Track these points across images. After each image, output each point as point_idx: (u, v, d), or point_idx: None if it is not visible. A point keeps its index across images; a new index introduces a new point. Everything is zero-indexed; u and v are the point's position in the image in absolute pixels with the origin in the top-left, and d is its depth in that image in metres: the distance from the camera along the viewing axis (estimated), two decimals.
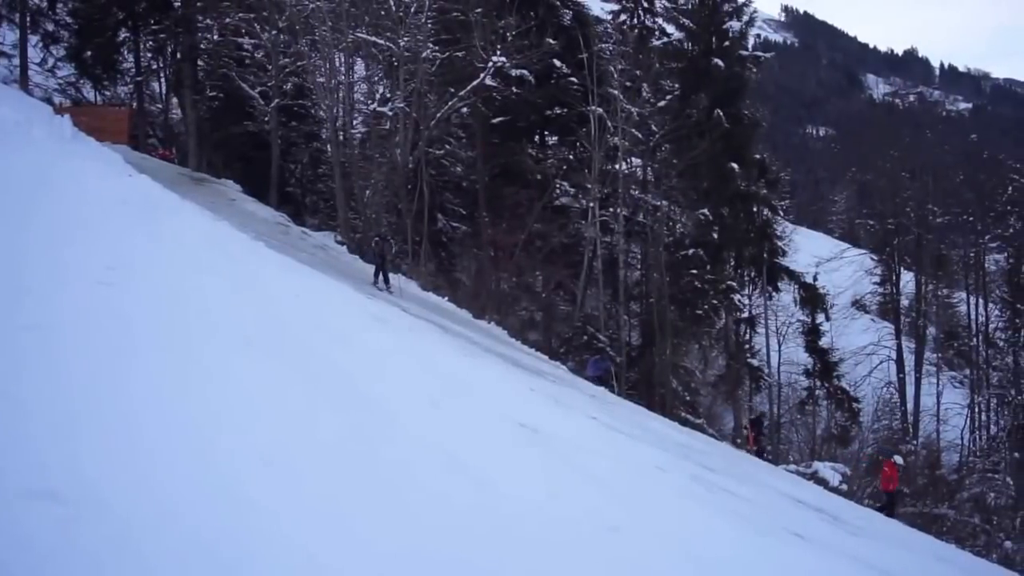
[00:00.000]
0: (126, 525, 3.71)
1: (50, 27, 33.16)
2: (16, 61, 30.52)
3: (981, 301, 44.99)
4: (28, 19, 31.26)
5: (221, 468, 4.61)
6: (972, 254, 45.91)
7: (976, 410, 41.61)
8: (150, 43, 35.02)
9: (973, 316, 45.43)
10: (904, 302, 43.82)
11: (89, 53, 32.86)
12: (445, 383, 9.53)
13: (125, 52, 34.68)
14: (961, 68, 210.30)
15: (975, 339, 44.50)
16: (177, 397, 5.33)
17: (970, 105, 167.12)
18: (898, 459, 22.48)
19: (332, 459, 5.41)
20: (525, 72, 30.74)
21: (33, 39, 32.08)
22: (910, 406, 39.83)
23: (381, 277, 21.43)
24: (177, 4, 33.30)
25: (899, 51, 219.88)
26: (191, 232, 10.77)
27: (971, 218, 45.69)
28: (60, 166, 11.25)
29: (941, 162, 47.65)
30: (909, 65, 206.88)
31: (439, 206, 32.99)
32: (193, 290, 8.00)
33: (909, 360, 41.05)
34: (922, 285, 42.99)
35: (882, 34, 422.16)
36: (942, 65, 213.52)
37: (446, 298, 24.78)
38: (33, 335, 5.46)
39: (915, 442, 35.17)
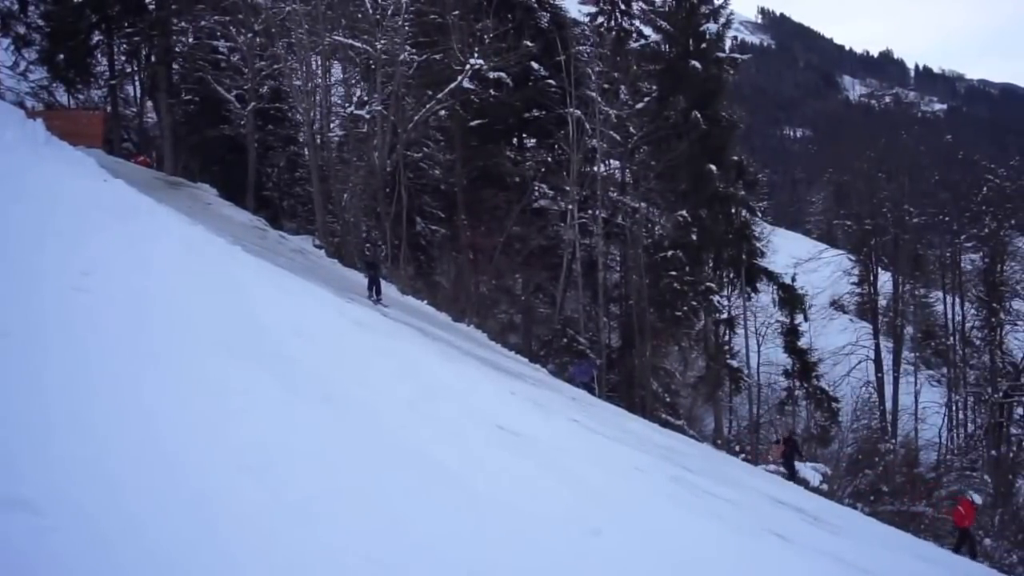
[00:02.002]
0: (103, 534, 3.65)
1: (21, 30, 32.73)
2: None
3: (958, 300, 45.33)
4: None
5: (200, 475, 4.56)
6: (948, 254, 46.21)
7: (954, 408, 41.91)
8: (124, 46, 34.63)
9: (950, 315, 45.77)
10: (882, 302, 44.12)
11: (62, 56, 32.47)
12: (425, 387, 9.49)
13: (99, 55, 34.31)
14: (936, 70, 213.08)
15: (952, 338, 44.81)
16: (154, 404, 5.27)
17: (945, 106, 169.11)
18: (976, 497, 22.02)
19: (311, 464, 5.36)
20: (503, 75, 30.73)
21: (4, 42, 31.74)
22: (888, 405, 40.12)
23: (374, 289, 20.11)
24: (151, 7, 33.03)
25: (875, 53, 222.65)
26: (167, 237, 10.66)
27: (947, 218, 46.03)
28: (33, 170, 11.10)
29: (917, 163, 47.98)
30: (884, 66, 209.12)
31: (417, 209, 32.91)
32: (170, 296, 7.92)
33: (887, 359, 41.33)
34: (899, 285, 43.32)
35: (858, 36, 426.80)
36: (917, 67, 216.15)
37: (425, 302, 24.69)
38: (4, 343, 5.37)
39: (893, 441, 35.37)
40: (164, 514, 3.98)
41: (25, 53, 32.87)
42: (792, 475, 22.76)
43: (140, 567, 3.57)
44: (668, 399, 32.49)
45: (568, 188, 31.30)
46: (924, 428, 39.96)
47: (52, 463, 4.09)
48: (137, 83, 37.40)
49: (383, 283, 21.77)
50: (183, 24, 32.85)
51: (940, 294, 47.19)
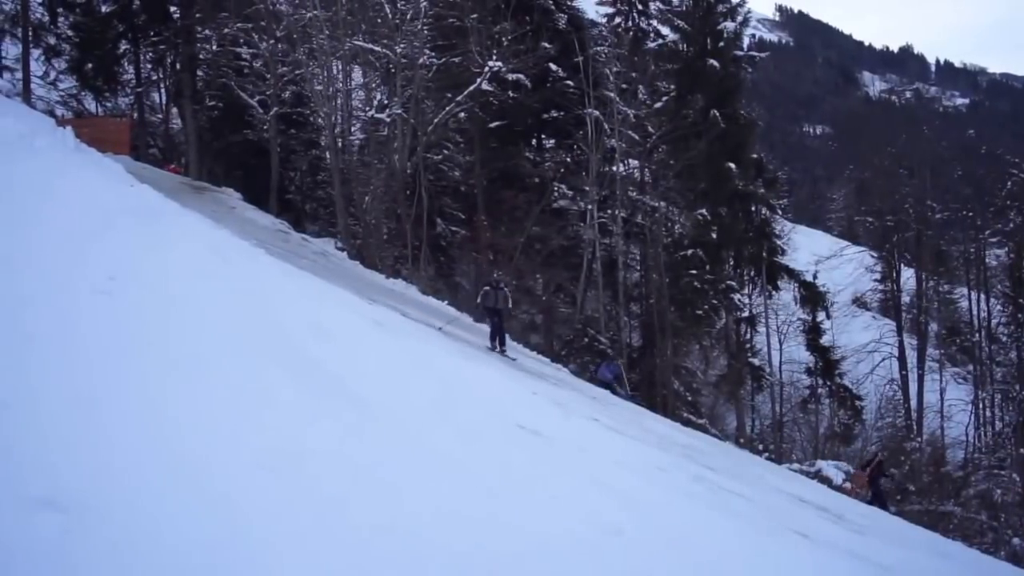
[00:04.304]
0: (125, 533, 3.73)
1: (52, 41, 33.32)
2: (19, 75, 30.68)
3: (982, 296, 44.79)
4: (30, 33, 31.38)
5: (220, 474, 4.64)
6: (972, 249, 45.73)
7: (980, 406, 41.33)
8: (150, 54, 35.23)
9: (975, 312, 45.23)
10: (905, 299, 43.73)
11: (90, 65, 33.10)
12: (446, 386, 9.56)
13: (125, 64, 34.93)
14: (957, 64, 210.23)
15: (977, 335, 44.27)
16: (177, 405, 5.36)
17: (967, 100, 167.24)
18: None
19: (331, 463, 5.44)
20: (521, 76, 30.82)
21: (35, 53, 32.20)
22: (913, 403, 39.71)
23: (498, 339, 18.45)
24: (176, 15, 33.47)
25: (894, 48, 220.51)
26: (192, 240, 10.79)
27: (970, 213, 45.56)
28: (63, 176, 11.26)
29: (939, 158, 47.46)
30: (905, 62, 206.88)
31: (438, 211, 33.02)
32: (194, 298, 8.02)
33: (911, 357, 40.91)
34: (923, 281, 42.90)
35: (877, 31, 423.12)
36: (938, 61, 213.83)
37: (446, 302, 24.81)
38: (31, 345, 5.49)
39: (919, 439, 35.09)
40: (188, 514, 4.06)
41: (55, 63, 33.50)
42: (883, 505, 19.69)
43: (165, 566, 3.65)
44: (690, 398, 32.43)
45: (587, 188, 31.32)
46: (950, 426, 39.50)
47: (78, 464, 4.16)
48: (163, 90, 37.92)
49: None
50: (207, 32, 33.21)
51: (964, 290, 46.70)
